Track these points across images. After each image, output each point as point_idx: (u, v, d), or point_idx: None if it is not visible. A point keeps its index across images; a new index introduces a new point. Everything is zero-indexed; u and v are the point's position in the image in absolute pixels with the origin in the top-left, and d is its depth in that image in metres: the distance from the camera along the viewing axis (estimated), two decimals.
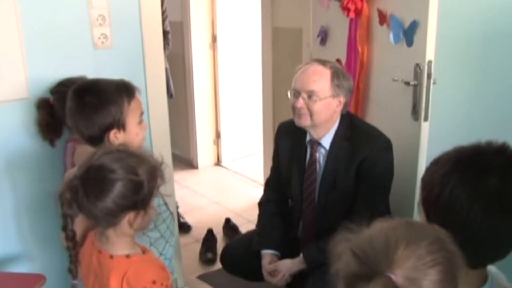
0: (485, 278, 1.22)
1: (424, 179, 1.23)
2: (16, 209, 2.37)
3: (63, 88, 2.22)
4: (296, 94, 2.27)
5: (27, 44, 2.25)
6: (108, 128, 1.77)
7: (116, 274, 1.46)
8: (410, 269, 0.93)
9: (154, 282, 1.44)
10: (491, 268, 1.25)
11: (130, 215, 1.46)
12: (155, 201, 1.53)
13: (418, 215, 2.43)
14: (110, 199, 1.41)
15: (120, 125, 1.79)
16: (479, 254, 1.16)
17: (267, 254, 2.44)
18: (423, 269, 0.93)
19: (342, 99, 2.27)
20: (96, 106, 1.76)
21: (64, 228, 1.48)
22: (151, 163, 1.50)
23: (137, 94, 1.85)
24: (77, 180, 1.43)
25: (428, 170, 1.23)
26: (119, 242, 1.51)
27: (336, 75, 2.25)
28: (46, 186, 2.39)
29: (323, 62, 2.28)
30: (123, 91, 1.81)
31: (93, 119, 1.76)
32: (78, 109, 1.78)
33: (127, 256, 1.50)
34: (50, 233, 2.44)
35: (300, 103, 2.24)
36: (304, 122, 2.29)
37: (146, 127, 1.92)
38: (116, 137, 1.79)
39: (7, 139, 2.29)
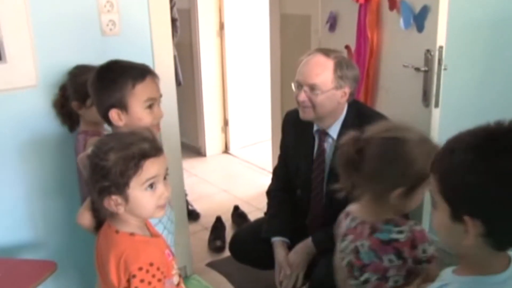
0: (508, 261, 1.23)
1: (438, 169, 1.21)
2: (28, 196, 2.38)
3: (72, 76, 2.24)
4: (299, 86, 2.24)
5: (35, 31, 2.24)
6: (110, 107, 1.81)
7: (118, 248, 1.47)
8: None
9: (151, 264, 1.43)
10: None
11: (107, 199, 1.46)
12: (144, 193, 1.48)
13: (426, 204, 2.44)
14: (91, 180, 1.48)
15: (122, 106, 1.80)
16: (505, 236, 1.17)
17: (277, 241, 2.43)
18: None
19: (347, 89, 2.23)
20: (103, 85, 1.82)
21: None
22: (133, 152, 1.45)
23: (147, 79, 1.84)
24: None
25: (441, 160, 1.22)
26: (128, 221, 1.51)
27: (339, 66, 2.20)
28: (57, 174, 2.40)
29: (326, 52, 2.24)
30: (130, 73, 1.82)
31: (100, 97, 1.83)
32: (92, 86, 1.86)
33: (131, 234, 1.50)
34: (61, 220, 2.45)
35: (303, 96, 2.22)
36: (308, 115, 2.28)
37: (160, 115, 1.90)
38: (119, 117, 1.81)
39: (18, 126, 2.28)
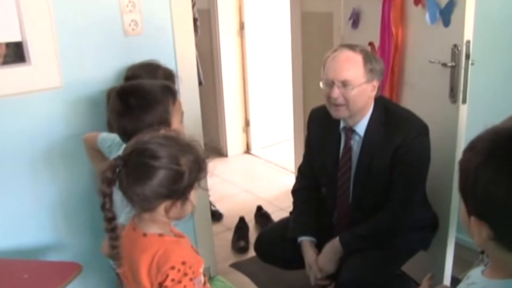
0: None
1: (460, 165, 1.18)
2: (52, 198, 2.38)
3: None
4: (330, 84, 2.21)
5: (59, 33, 2.24)
6: (154, 126, 1.77)
7: (148, 252, 1.45)
8: None
9: (183, 263, 1.43)
10: None
11: (166, 204, 1.44)
12: (195, 194, 1.50)
13: (454, 202, 2.39)
14: (148, 186, 1.40)
15: (167, 124, 1.82)
16: None
17: (305, 241, 2.41)
18: None
19: (375, 83, 2.22)
20: (145, 107, 1.80)
21: (103, 207, 1.44)
22: (197, 154, 1.47)
23: (178, 96, 1.92)
24: (120, 160, 1.43)
25: (464, 155, 1.17)
26: (155, 223, 1.50)
27: (368, 60, 2.19)
28: (82, 175, 2.40)
29: (352, 47, 2.22)
30: (168, 91, 1.87)
31: (142, 119, 1.79)
32: (125, 111, 1.81)
33: (160, 235, 1.49)
34: (86, 222, 2.45)
35: (336, 93, 2.18)
36: (342, 114, 2.24)
37: (184, 126, 1.96)
38: None
39: (42, 128, 2.29)
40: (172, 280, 1.41)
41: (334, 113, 2.26)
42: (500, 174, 1.05)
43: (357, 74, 2.17)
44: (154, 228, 1.50)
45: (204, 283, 1.57)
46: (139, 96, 1.82)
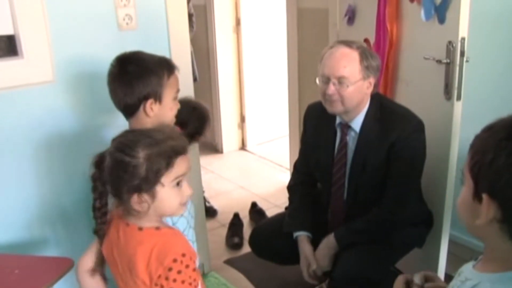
0: None
1: (474, 146, 1.17)
2: (44, 194, 2.37)
3: None
4: (326, 80, 2.20)
5: (52, 26, 2.22)
6: (146, 97, 1.82)
7: (145, 246, 1.45)
8: None
9: (183, 255, 1.42)
10: None
11: (135, 196, 1.44)
12: (171, 190, 1.47)
13: (448, 199, 2.38)
14: (114, 177, 1.45)
15: (158, 96, 1.83)
16: None
17: (301, 236, 2.40)
18: None
19: (372, 80, 2.21)
20: (138, 74, 1.81)
21: (93, 189, 1.52)
22: (166, 149, 1.44)
23: (176, 72, 1.91)
24: (102, 154, 1.48)
25: (479, 137, 1.17)
26: (147, 217, 1.49)
27: (365, 56, 2.18)
28: (76, 170, 2.38)
29: (348, 44, 2.20)
30: (164, 64, 1.87)
31: (133, 87, 1.81)
32: (119, 76, 1.85)
33: (157, 228, 1.49)
34: (77, 217, 2.44)
35: (331, 89, 2.18)
36: (336, 109, 2.23)
37: (178, 106, 1.95)
38: (151, 108, 1.83)
39: (35, 122, 2.27)
40: (179, 272, 1.40)
41: (329, 108, 2.25)
42: None
43: (353, 71, 2.16)
44: (148, 222, 1.50)
45: None
46: (134, 64, 1.84)
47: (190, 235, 1.94)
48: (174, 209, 1.51)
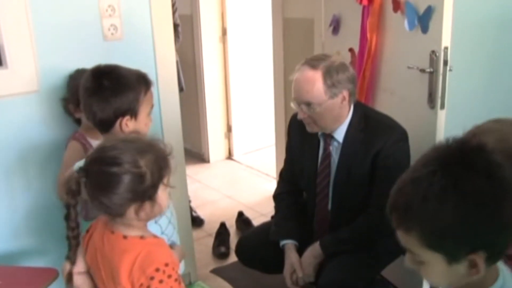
0: (497, 271, 1.19)
1: (416, 222, 1.13)
2: (29, 204, 2.36)
3: (71, 79, 2.23)
4: (296, 105, 2.22)
5: (37, 36, 2.22)
6: (123, 114, 1.80)
7: (129, 254, 1.45)
8: None
9: (166, 265, 1.43)
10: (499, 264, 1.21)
11: (134, 206, 1.44)
12: (164, 192, 1.50)
13: None
14: (113, 194, 1.41)
15: (134, 113, 1.82)
16: (502, 250, 1.14)
17: (288, 244, 2.39)
18: None
19: (345, 93, 2.18)
20: (116, 90, 1.79)
21: (66, 217, 1.50)
22: (157, 153, 1.47)
23: (152, 87, 1.90)
24: (82, 172, 1.44)
25: (418, 211, 1.12)
26: (131, 226, 1.50)
27: (328, 75, 2.13)
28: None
29: (313, 65, 2.15)
30: (141, 80, 1.85)
31: (110, 103, 1.78)
32: (94, 91, 1.80)
33: (142, 237, 1.49)
34: (62, 227, 2.42)
35: (301, 114, 2.21)
36: (313, 129, 2.27)
37: (151, 121, 1.93)
38: (127, 124, 1.81)
39: (19, 132, 2.27)
40: (160, 281, 1.41)
41: (308, 129, 2.28)
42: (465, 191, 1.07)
43: (317, 94, 2.14)
44: (133, 231, 1.50)
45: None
46: (112, 79, 1.81)
47: (174, 236, 1.93)
48: (165, 207, 1.53)
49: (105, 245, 1.52)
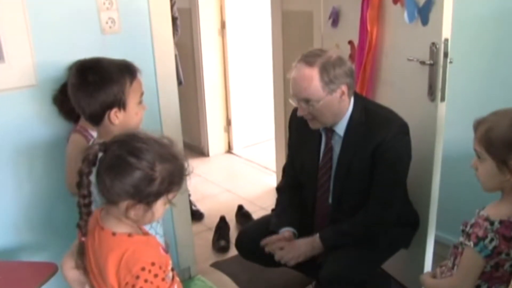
0: None
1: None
2: (28, 199, 2.35)
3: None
4: (295, 101, 2.22)
5: (34, 30, 2.21)
6: (109, 106, 1.79)
7: (116, 252, 1.44)
8: None
9: (152, 264, 1.42)
10: None
11: (128, 202, 1.43)
12: (162, 206, 1.49)
13: (433, 200, 2.40)
14: (118, 181, 1.41)
15: (121, 104, 1.81)
16: None
17: (287, 231, 2.39)
18: None
19: (343, 88, 2.17)
20: (98, 85, 1.78)
21: (78, 185, 1.46)
22: (177, 168, 1.47)
23: (138, 75, 1.87)
24: (102, 146, 1.44)
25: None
26: (121, 222, 1.49)
27: (325, 71, 2.12)
28: (57, 175, 2.36)
29: (309, 61, 2.14)
30: (125, 71, 1.83)
31: (95, 97, 1.78)
32: (80, 86, 1.81)
33: (129, 235, 1.48)
34: (61, 222, 2.42)
35: (301, 111, 2.21)
36: (315, 125, 2.27)
37: (146, 108, 1.92)
38: (116, 116, 1.81)
39: (17, 127, 2.25)
40: (145, 281, 1.39)
41: (311, 126, 2.28)
42: None
43: (314, 90, 2.13)
44: (122, 228, 1.49)
45: (173, 278, 1.56)
46: (95, 73, 1.80)
47: (159, 228, 1.92)
48: (157, 219, 1.53)
49: (96, 240, 1.51)
